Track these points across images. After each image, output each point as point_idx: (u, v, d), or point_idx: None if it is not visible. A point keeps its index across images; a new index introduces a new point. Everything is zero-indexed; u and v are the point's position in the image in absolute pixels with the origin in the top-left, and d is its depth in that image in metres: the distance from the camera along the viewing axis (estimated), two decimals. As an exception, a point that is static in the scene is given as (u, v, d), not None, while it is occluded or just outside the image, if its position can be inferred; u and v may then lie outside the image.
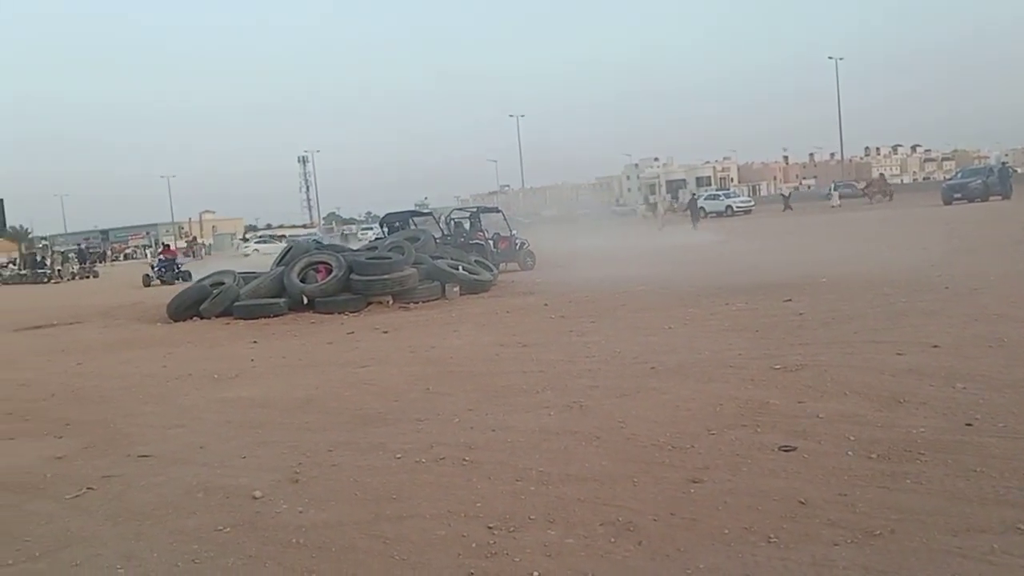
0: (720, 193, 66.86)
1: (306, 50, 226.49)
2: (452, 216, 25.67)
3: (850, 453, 4.62)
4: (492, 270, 17.90)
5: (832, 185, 64.94)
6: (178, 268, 29.07)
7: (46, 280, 37.96)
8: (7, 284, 38.93)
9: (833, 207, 50.81)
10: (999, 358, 6.54)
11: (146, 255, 56.57)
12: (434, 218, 25.77)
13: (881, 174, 70.87)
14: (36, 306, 21.71)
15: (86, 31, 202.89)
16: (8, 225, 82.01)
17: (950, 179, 46.82)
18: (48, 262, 42.05)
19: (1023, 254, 14.50)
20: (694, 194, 51.80)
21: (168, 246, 32.60)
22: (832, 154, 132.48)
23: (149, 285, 27.00)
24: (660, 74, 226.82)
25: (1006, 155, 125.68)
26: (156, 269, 29.05)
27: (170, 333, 13.35)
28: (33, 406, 8.03)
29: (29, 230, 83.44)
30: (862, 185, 63.20)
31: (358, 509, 4.38)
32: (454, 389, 7.24)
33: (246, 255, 50.54)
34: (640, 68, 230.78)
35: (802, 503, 3.97)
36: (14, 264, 50.13)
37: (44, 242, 65.19)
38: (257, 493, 4.73)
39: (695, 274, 16.10)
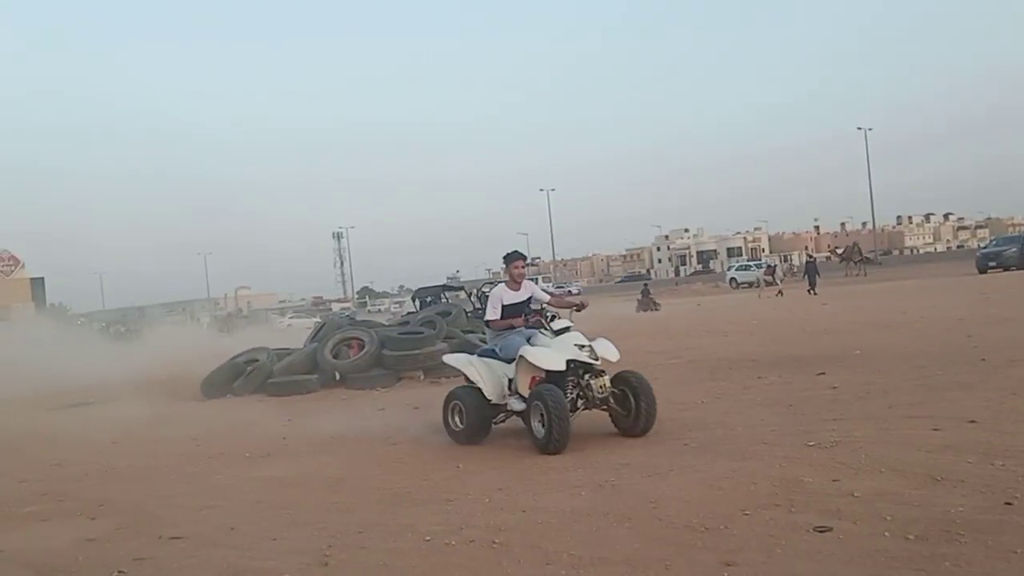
0: (752, 263, 66.68)
1: (338, 128, 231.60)
2: (483, 290, 25.83)
3: (887, 534, 4.54)
4: (523, 344, 17.88)
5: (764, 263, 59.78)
6: None
7: None
8: None
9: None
10: (1039, 433, 6.41)
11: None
12: (466, 292, 25.97)
13: (855, 243, 63.35)
14: (71, 384, 21.94)
15: (116, 108, 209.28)
16: (48, 303, 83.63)
17: (985, 247, 46.24)
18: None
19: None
20: (811, 257, 49.08)
21: None
22: (864, 223, 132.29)
23: None
24: (688, 152, 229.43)
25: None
26: None
27: (203, 411, 13.43)
28: (67, 486, 8.10)
29: (68, 307, 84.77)
30: (841, 251, 60.34)
31: (387, 593, 4.35)
32: (484, 467, 7.22)
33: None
34: (668, 148, 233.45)
35: (838, 587, 3.89)
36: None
37: (82, 319, 66.14)
38: (286, 577, 4.72)
39: (731, 345, 15.99)
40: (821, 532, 4.66)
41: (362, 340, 15.13)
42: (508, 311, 8.66)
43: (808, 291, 35.85)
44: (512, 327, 8.50)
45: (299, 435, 10.02)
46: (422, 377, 14.58)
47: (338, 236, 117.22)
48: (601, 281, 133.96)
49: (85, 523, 6.52)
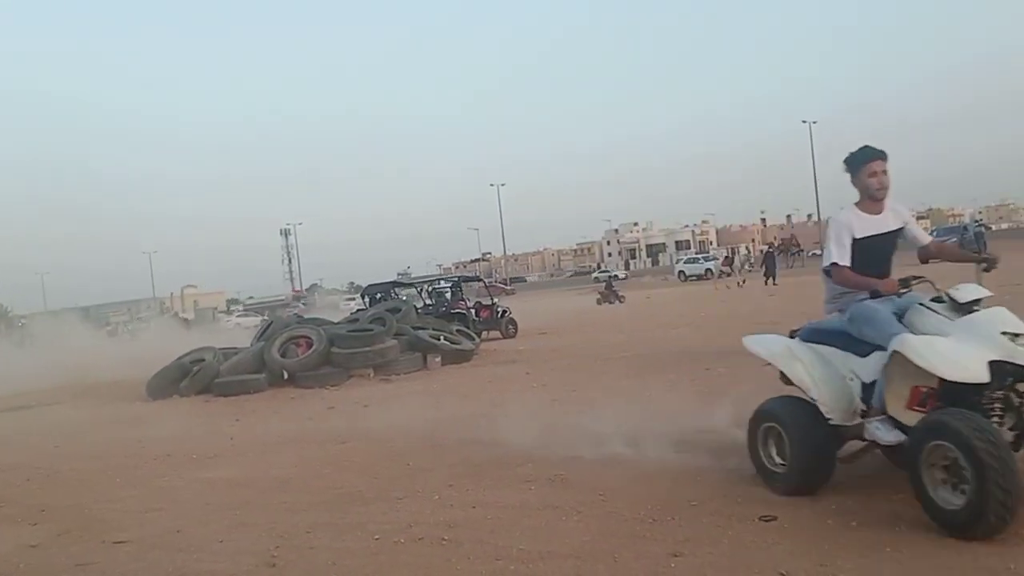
0: (699, 256, 67.44)
1: (285, 123, 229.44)
2: (434, 286, 25.76)
3: (830, 522, 4.61)
4: (474, 339, 17.91)
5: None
6: None
7: None
8: None
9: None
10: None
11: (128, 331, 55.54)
12: (416, 288, 25.87)
13: (792, 235, 59.86)
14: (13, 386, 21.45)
15: (65, 102, 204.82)
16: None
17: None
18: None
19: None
20: (770, 247, 48.38)
21: None
22: (809, 215, 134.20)
23: None
24: (638, 150, 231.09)
25: (979, 213, 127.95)
26: None
27: (149, 412, 13.21)
28: (8, 491, 7.91)
29: (9, 309, 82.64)
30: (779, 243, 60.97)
31: (336, 593, 4.32)
32: (435, 464, 7.19)
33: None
34: (618, 146, 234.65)
35: (783, 575, 3.94)
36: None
37: (23, 321, 64.64)
38: (234, 579, 4.66)
39: (680, 338, 16.14)
40: (767, 521, 4.72)
41: (310, 338, 15.00)
42: (865, 252, 5.02)
43: (765, 281, 36.40)
44: (877, 295, 4.77)
45: (247, 435, 9.91)
46: (372, 374, 14.51)
47: (286, 233, 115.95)
48: (552, 276, 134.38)
49: (27, 529, 6.38)
